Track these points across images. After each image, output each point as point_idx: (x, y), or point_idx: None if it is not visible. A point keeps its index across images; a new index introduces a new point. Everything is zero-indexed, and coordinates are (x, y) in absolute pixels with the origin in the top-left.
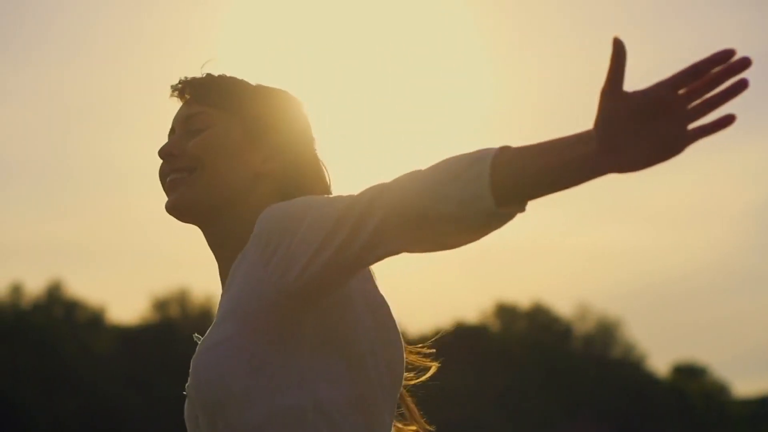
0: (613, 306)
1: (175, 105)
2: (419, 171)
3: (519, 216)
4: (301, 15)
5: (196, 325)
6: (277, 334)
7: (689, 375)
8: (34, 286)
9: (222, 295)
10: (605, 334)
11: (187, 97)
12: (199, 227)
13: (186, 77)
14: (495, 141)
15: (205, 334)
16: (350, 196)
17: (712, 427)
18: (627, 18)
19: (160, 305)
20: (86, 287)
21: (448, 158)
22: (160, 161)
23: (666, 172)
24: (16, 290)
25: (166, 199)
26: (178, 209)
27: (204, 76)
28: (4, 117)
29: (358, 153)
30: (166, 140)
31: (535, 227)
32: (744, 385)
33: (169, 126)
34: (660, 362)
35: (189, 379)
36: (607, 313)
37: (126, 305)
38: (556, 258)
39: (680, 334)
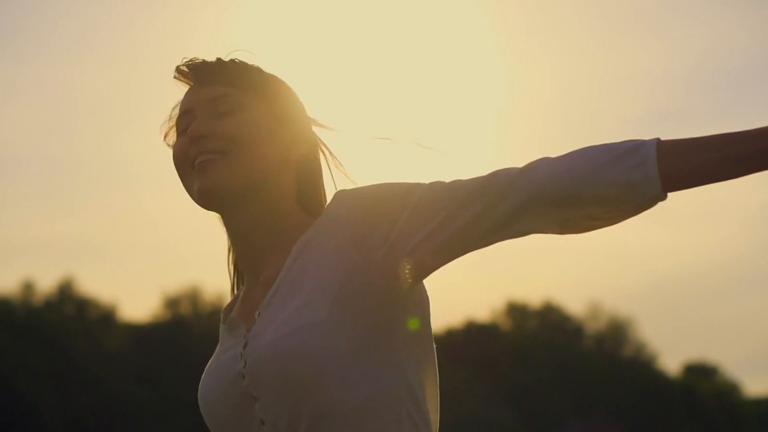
0: (624, 305)
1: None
2: (554, 157)
3: None
4: (312, 13)
5: (207, 323)
6: (374, 319)
7: (700, 374)
8: (46, 283)
9: (271, 280)
10: (616, 333)
11: (205, 78)
12: (225, 212)
13: (201, 59)
14: (508, 138)
15: (268, 318)
16: (457, 180)
17: (723, 427)
18: (639, 18)
19: (172, 303)
20: (98, 285)
21: (585, 147)
22: (181, 144)
23: None
24: (28, 287)
25: (172, 196)
26: (213, 191)
27: (226, 59)
28: (16, 114)
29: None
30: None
31: None
32: (755, 385)
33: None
34: (671, 361)
35: (259, 363)
36: (619, 312)
37: (138, 303)
38: (567, 257)
39: (692, 334)
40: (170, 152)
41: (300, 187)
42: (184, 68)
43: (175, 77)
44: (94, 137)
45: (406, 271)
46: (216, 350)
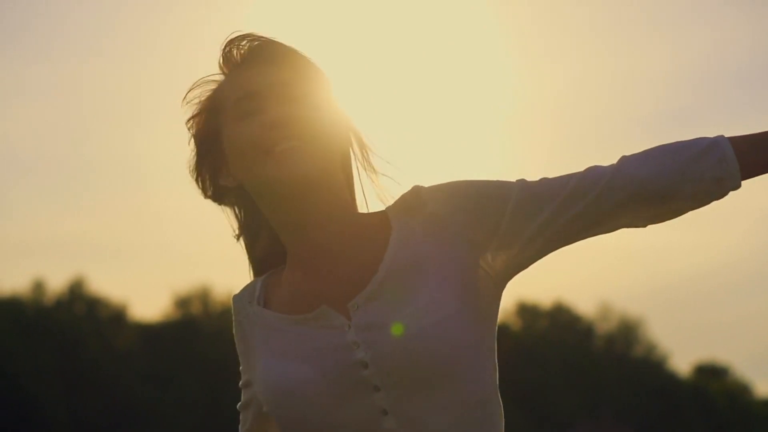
0: (634, 305)
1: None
2: (636, 156)
3: None
4: (322, 13)
5: (217, 323)
6: (485, 313)
7: (711, 375)
8: (57, 282)
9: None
10: (627, 333)
11: (275, 59)
12: (298, 201)
13: (264, 37)
14: (515, 139)
15: (382, 310)
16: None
17: (734, 427)
18: (647, 18)
19: (182, 302)
20: (108, 284)
21: (659, 146)
22: (252, 129)
23: None
24: (38, 287)
25: (183, 196)
26: (298, 178)
27: (280, 42)
28: (28, 114)
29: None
30: (188, 136)
31: None
32: (766, 385)
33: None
34: (682, 362)
35: (391, 354)
36: (629, 312)
37: (148, 302)
38: (577, 257)
39: (702, 334)
40: (178, 150)
41: (348, 179)
42: (246, 45)
43: (227, 53)
44: (104, 137)
45: (509, 266)
46: (276, 339)
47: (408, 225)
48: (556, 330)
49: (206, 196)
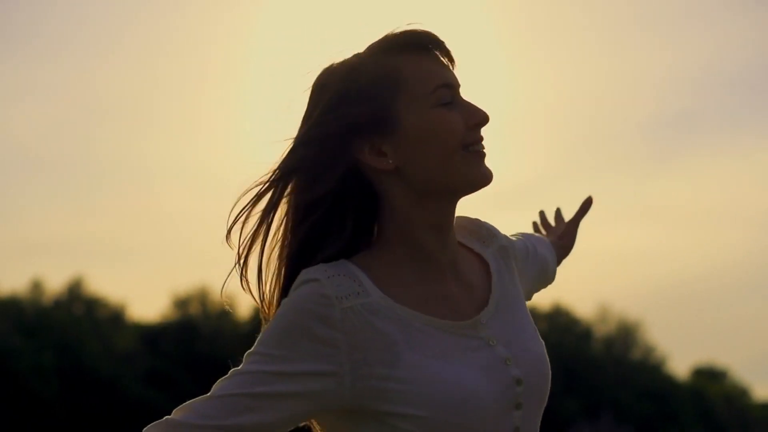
0: (633, 308)
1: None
2: (541, 241)
3: (535, 217)
4: (321, 14)
5: (216, 324)
6: None
7: (710, 378)
8: (55, 283)
9: (465, 280)
10: (625, 336)
11: (451, 60)
12: (454, 202)
13: (433, 32)
14: (509, 141)
15: (505, 329)
16: None
17: (732, 430)
18: (646, 20)
19: (181, 303)
20: (107, 284)
21: (543, 239)
22: (456, 121)
23: (686, 174)
24: (37, 287)
25: (182, 196)
26: (482, 185)
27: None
28: (27, 113)
29: None
30: (187, 137)
31: None
32: (765, 389)
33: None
34: (680, 365)
35: (534, 374)
36: (628, 315)
37: (147, 303)
38: (576, 259)
39: (701, 337)
40: (178, 151)
41: None
42: (430, 38)
43: (412, 37)
44: (104, 138)
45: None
46: (424, 340)
47: (491, 253)
48: (554, 332)
49: (334, 167)
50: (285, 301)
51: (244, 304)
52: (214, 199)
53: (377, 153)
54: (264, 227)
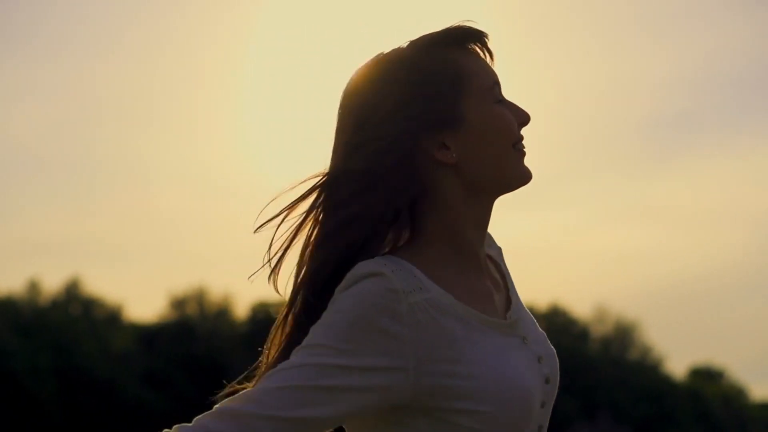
0: (630, 308)
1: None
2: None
3: (534, 218)
4: (321, 15)
5: (213, 324)
6: None
7: (707, 378)
8: (52, 283)
9: (496, 285)
10: (623, 336)
11: (492, 60)
12: (494, 201)
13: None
14: None
15: (527, 326)
16: None
17: (729, 430)
18: (643, 22)
19: (178, 303)
20: (104, 285)
21: None
22: (511, 119)
23: (684, 174)
24: (34, 287)
25: (180, 196)
26: (523, 185)
27: None
28: (26, 113)
29: None
30: (184, 138)
31: (553, 229)
32: (762, 389)
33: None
34: (677, 365)
35: (556, 373)
36: (625, 315)
37: (144, 303)
38: (573, 259)
39: (698, 337)
40: (175, 151)
41: None
42: (484, 38)
43: (472, 34)
44: (101, 137)
45: None
46: (481, 337)
47: (496, 254)
48: (551, 332)
49: (405, 164)
50: (347, 294)
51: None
52: (212, 200)
53: (442, 147)
54: (310, 224)
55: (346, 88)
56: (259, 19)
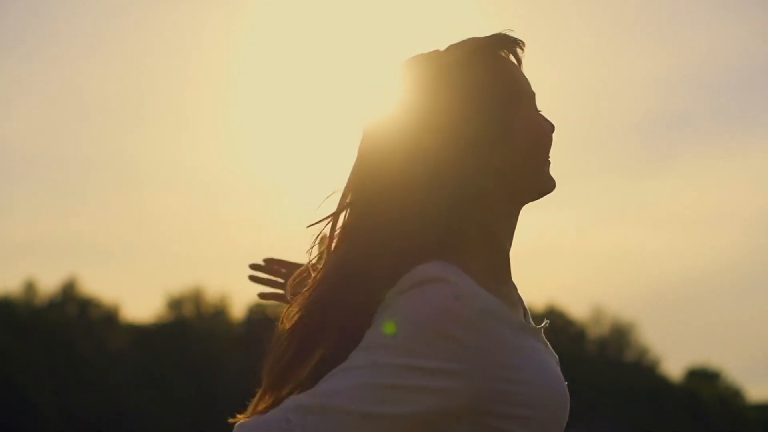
0: (627, 309)
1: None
2: None
3: (531, 218)
4: (317, 16)
5: (209, 324)
6: None
7: (703, 379)
8: (49, 283)
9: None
10: (619, 337)
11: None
12: (519, 212)
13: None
14: None
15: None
16: None
17: (725, 431)
18: (641, 22)
19: (175, 304)
20: (101, 285)
21: None
22: (549, 130)
23: (681, 175)
24: (31, 287)
25: (176, 197)
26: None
27: None
28: (21, 114)
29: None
30: (182, 138)
31: (550, 230)
32: (758, 390)
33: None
34: (674, 366)
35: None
36: (622, 316)
37: (140, 303)
38: (570, 261)
39: (694, 338)
40: (171, 151)
41: None
42: (523, 46)
43: (515, 44)
44: (98, 138)
45: None
46: (531, 344)
47: None
48: (548, 333)
49: (468, 170)
50: (409, 297)
51: (238, 306)
52: (209, 201)
53: (496, 154)
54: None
55: (396, 92)
56: (247, 20)
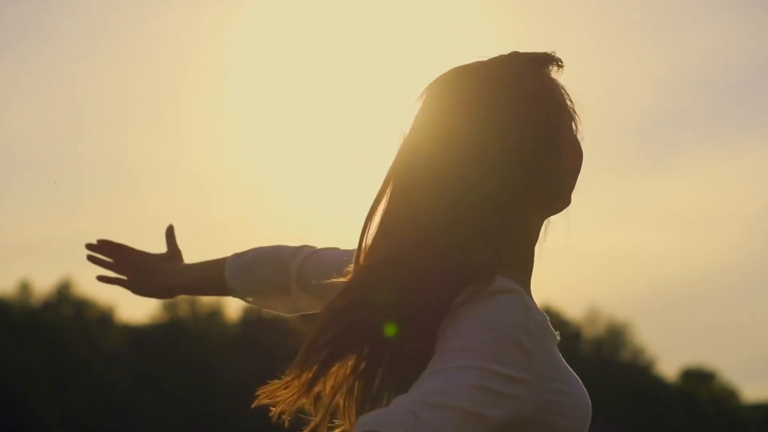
0: (622, 309)
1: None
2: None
3: None
4: (314, 18)
5: (205, 325)
6: None
7: (698, 379)
8: (44, 284)
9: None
10: (615, 337)
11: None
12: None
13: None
14: None
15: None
16: None
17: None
18: (641, 22)
19: (170, 304)
20: (96, 286)
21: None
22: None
23: (680, 175)
24: (25, 288)
25: (171, 197)
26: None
27: None
28: (16, 114)
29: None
30: (176, 139)
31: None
32: (753, 390)
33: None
34: (669, 366)
35: None
36: (617, 316)
37: (135, 304)
38: (566, 261)
39: (690, 339)
40: (168, 151)
41: None
42: (559, 64)
43: (553, 64)
44: (93, 139)
45: None
46: (559, 356)
47: None
48: None
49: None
50: (486, 305)
51: (233, 307)
52: (204, 201)
53: (543, 168)
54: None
55: (443, 103)
56: (243, 21)
